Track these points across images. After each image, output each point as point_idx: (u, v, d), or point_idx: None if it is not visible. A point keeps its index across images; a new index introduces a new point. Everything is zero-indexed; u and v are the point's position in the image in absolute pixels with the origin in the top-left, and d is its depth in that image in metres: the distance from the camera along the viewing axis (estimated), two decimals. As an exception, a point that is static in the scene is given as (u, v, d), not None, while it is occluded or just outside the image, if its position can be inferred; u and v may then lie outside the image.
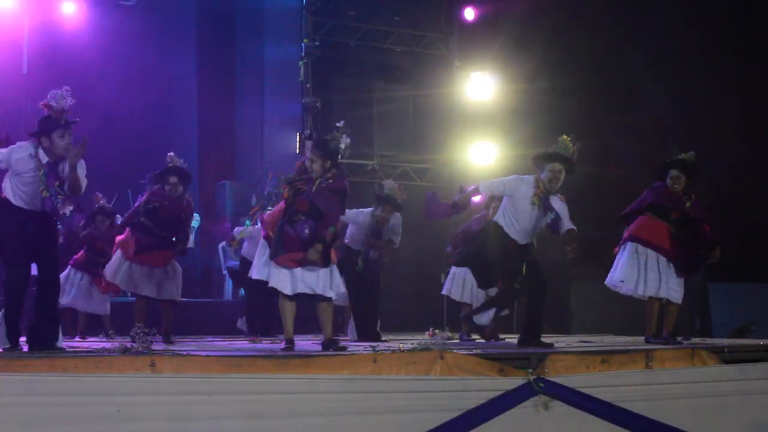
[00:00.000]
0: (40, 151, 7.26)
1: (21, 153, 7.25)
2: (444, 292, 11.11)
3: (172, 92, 17.48)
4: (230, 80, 17.71)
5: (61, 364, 5.83)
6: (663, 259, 9.11)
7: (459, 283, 10.83)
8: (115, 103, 16.25)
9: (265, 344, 9.47)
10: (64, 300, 10.73)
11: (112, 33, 16.42)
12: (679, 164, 9.31)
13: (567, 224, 8.42)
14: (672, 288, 9.10)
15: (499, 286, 9.35)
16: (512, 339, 10.55)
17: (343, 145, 7.93)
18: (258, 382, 6.08)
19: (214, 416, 5.86)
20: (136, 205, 10.11)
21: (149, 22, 17.08)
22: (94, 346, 7.63)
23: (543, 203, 8.42)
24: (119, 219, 11.17)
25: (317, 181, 7.76)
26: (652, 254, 9.12)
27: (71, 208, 7.34)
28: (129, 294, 10.39)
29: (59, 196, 7.22)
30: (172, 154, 9.98)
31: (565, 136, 8.64)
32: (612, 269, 9.37)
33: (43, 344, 7.03)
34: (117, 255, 9.88)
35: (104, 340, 10.18)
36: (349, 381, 6.36)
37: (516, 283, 8.73)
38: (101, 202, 11.46)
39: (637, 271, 9.10)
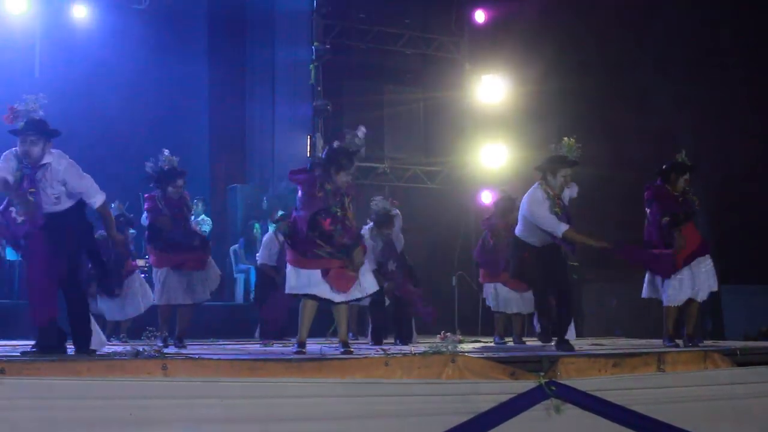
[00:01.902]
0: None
1: (10, 157, 7.13)
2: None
3: (183, 96, 17.51)
4: (241, 84, 17.73)
5: (73, 368, 5.85)
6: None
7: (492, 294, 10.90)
8: (126, 106, 16.30)
9: (276, 347, 9.48)
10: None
11: (123, 36, 16.46)
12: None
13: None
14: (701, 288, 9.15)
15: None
16: (531, 342, 10.59)
17: (360, 143, 7.94)
18: (270, 385, 6.09)
19: (227, 420, 5.87)
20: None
21: (160, 25, 17.11)
22: (107, 350, 7.64)
23: (562, 208, 8.49)
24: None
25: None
26: None
27: (23, 218, 7.02)
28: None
29: (22, 204, 7.02)
30: (167, 152, 9.82)
31: (567, 139, 8.66)
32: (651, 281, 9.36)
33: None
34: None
35: (117, 343, 10.19)
36: (362, 384, 6.36)
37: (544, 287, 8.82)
38: (122, 209, 11.45)
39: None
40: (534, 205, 8.51)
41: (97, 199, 7.21)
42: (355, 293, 7.79)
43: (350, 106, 15.56)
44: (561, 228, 8.34)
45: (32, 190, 7.03)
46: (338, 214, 7.71)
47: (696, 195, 9.31)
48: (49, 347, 7.10)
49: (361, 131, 7.95)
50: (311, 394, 6.18)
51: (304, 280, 7.70)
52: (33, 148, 7.00)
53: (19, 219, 7.03)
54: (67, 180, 7.11)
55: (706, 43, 15.30)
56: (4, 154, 7.22)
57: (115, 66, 16.22)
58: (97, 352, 7.14)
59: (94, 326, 7.47)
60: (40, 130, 7.06)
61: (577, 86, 15.36)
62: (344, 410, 6.23)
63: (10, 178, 7.03)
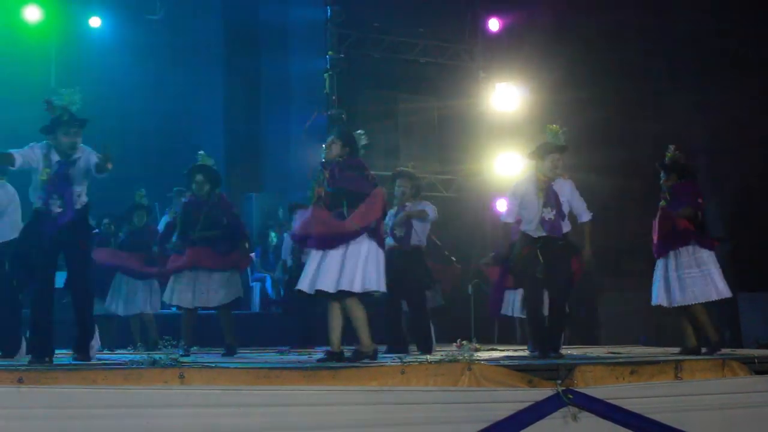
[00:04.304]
0: (53, 150, 7.32)
1: (36, 150, 7.34)
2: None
3: (199, 105, 17.59)
4: (256, 93, 17.80)
5: (90, 377, 5.86)
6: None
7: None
8: (141, 116, 16.39)
9: (293, 356, 9.48)
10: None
11: (138, 46, 16.56)
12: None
13: (583, 213, 8.66)
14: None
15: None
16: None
17: (362, 141, 7.97)
18: (286, 394, 6.09)
19: (244, 428, 5.87)
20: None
21: (175, 35, 17.20)
22: (123, 359, 7.66)
23: (547, 192, 8.52)
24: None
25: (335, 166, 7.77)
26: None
27: (60, 210, 7.26)
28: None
29: (55, 194, 7.23)
30: (202, 152, 9.95)
31: (551, 126, 8.72)
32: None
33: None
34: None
35: (133, 352, 10.21)
36: (378, 392, 6.35)
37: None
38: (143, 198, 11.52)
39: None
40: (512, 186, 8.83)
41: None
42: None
43: (365, 115, 15.57)
44: (504, 217, 8.84)
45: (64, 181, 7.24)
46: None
47: (713, 201, 9.31)
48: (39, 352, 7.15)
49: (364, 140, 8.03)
50: (327, 402, 6.18)
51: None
52: (76, 140, 7.24)
53: (57, 210, 7.24)
54: (96, 173, 7.31)
55: (723, 48, 15.24)
56: (31, 145, 7.35)
57: (130, 76, 16.32)
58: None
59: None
60: (80, 123, 7.29)
61: (592, 93, 15.31)
62: (360, 418, 6.22)
63: (34, 165, 7.25)
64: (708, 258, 9.16)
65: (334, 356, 7.54)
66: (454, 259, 11.35)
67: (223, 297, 9.65)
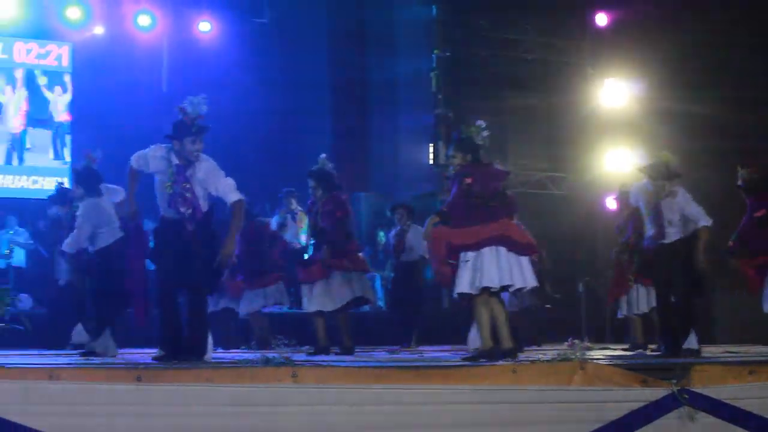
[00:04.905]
0: (172, 153, 7.47)
1: (157, 153, 7.51)
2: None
3: (306, 106, 17.75)
4: (362, 93, 17.89)
5: (206, 375, 5.95)
6: None
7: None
8: (249, 118, 16.62)
9: (404, 355, 9.50)
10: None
11: (246, 49, 16.83)
12: None
13: (700, 219, 8.57)
14: None
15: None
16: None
17: (480, 139, 7.94)
18: (398, 392, 6.09)
19: (357, 427, 5.88)
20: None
21: (282, 37, 17.43)
22: (237, 358, 7.77)
23: (654, 209, 8.61)
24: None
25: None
26: None
27: (190, 211, 7.41)
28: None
29: (181, 198, 7.39)
30: (323, 156, 9.97)
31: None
32: None
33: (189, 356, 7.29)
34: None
35: (246, 351, 10.35)
36: (489, 392, 6.31)
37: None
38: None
39: None
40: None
41: (233, 196, 7.47)
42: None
43: (472, 113, 15.44)
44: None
45: (186, 184, 7.38)
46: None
47: None
48: (174, 353, 7.36)
49: (481, 129, 8.00)
50: (439, 401, 6.16)
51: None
52: (200, 147, 7.42)
53: (186, 213, 7.40)
54: (210, 180, 7.44)
55: None
56: (152, 147, 7.58)
57: (238, 78, 16.56)
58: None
59: None
60: (205, 130, 7.48)
61: (703, 88, 15.02)
62: (471, 418, 6.19)
63: (162, 169, 7.46)
64: None
65: (486, 353, 7.63)
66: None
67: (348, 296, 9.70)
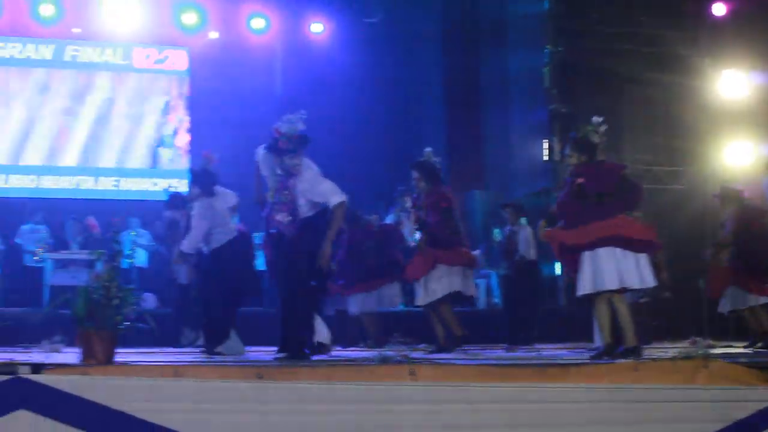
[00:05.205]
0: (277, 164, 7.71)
1: (267, 159, 7.78)
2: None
3: (420, 103, 17.82)
4: (476, 89, 17.86)
5: (325, 373, 6.00)
6: None
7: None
8: (364, 117, 16.74)
9: (521, 353, 9.44)
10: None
11: (358, 49, 16.94)
12: None
13: None
14: None
15: None
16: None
17: (597, 137, 7.83)
18: (517, 391, 6.05)
19: (475, 425, 5.86)
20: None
21: (394, 35, 17.50)
22: (355, 356, 7.83)
23: None
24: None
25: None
26: None
27: (290, 218, 7.58)
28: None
29: (282, 206, 7.57)
30: (428, 149, 9.83)
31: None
32: None
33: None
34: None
35: (364, 349, 10.41)
36: (611, 390, 6.22)
37: None
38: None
39: None
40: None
41: (335, 199, 7.61)
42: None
43: (586, 108, 15.23)
44: None
45: (286, 193, 7.60)
46: None
47: None
48: (295, 352, 7.48)
49: (598, 125, 7.90)
50: (559, 399, 6.11)
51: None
52: (299, 160, 7.60)
53: (285, 221, 7.59)
54: (312, 189, 7.60)
55: None
56: (261, 152, 7.77)
57: (352, 78, 16.69)
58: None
59: None
60: (304, 144, 7.62)
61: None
62: (592, 416, 6.11)
63: (267, 175, 7.76)
64: None
65: (607, 351, 7.58)
66: None
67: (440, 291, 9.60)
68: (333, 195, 7.62)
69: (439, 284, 9.43)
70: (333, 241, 7.74)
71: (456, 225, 9.65)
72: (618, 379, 6.33)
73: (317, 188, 7.62)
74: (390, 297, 11.50)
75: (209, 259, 8.99)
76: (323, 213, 7.70)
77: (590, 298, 7.69)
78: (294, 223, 7.59)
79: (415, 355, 7.47)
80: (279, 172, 7.64)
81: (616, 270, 7.47)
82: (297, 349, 7.61)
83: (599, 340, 10.02)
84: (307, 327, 7.85)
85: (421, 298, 9.56)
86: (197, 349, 9.49)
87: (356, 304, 11.40)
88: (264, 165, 7.80)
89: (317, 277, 7.83)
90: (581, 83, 15.78)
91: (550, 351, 10.07)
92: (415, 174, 9.63)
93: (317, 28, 17.60)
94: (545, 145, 15.20)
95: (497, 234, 14.07)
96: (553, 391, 6.12)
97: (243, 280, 9.10)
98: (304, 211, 7.63)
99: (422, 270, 9.50)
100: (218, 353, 8.58)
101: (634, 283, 7.54)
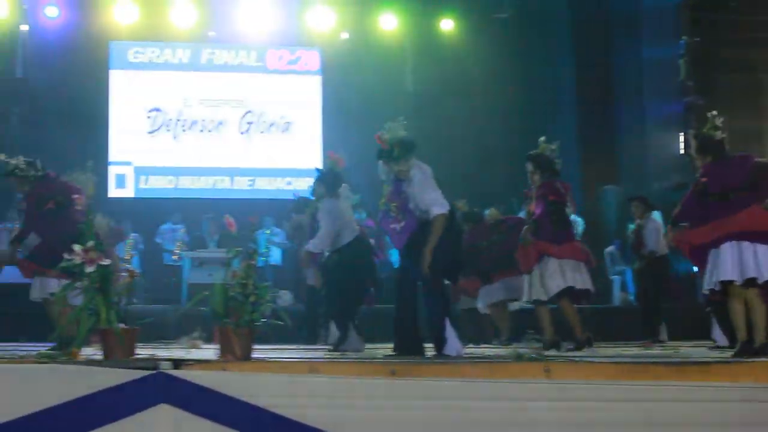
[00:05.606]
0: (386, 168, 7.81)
1: (381, 164, 7.85)
2: None
3: (552, 97, 17.65)
4: (608, 82, 17.60)
5: (458, 370, 6.01)
6: None
7: None
8: (494, 111, 16.71)
9: (657, 350, 9.27)
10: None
11: (488, 45, 16.91)
12: None
13: None
14: None
15: None
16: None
17: (719, 133, 7.64)
18: (654, 388, 5.94)
19: (610, 422, 5.78)
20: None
21: (525, 30, 17.41)
22: (489, 353, 7.82)
23: None
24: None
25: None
26: None
27: (402, 224, 7.66)
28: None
29: (391, 213, 7.71)
30: (542, 139, 9.55)
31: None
32: None
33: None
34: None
35: (497, 346, 10.37)
36: (753, 389, 6.05)
37: None
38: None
39: None
40: None
41: (435, 210, 7.57)
42: None
43: (724, 100, 14.91)
44: None
45: (394, 204, 7.72)
46: None
47: None
48: (407, 348, 7.50)
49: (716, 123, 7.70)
50: (697, 398, 5.97)
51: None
52: (406, 165, 7.65)
53: (398, 227, 7.69)
54: (420, 194, 7.62)
55: None
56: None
57: (481, 75, 16.65)
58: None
59: None
60: (409, 150, 7.67)
61: None
62: (731, 416, 5.95)
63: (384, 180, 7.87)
64: None
65: (744, 349, 7.36)
66: None
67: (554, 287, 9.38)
68: (434, 206, 7.58)
69: (552, 280, 9.14)
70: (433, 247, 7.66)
71: (565, 219, 9.46)
72: (762, 378, 6.15)
73: (423, 196, 7.62)
74: (517, 289, 11.34)
75: (336, 257, 9.09)
76: (428, 225, 7.69)
77: (723, 295, 7.50)
78: (404, 232, 7.69)
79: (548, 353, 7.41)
80: (391, 177, 7.76)
81: (737, 262, 7.23)
82: (413, 348, 7.63)
83: (718, 337, 9.81)
84: (439, 329, 7.80)
85: (529, 293, 9.34)
86: (326, 347, 9.60)
87: (484, 297, 11.30)
88: (382, 172, 7.89)
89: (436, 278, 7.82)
90: (719, 74, 15.39)
91: (688, 348, 9.85)
92: (529, 166, 9.42)
93: (447, 25, 17.63)
94: (681, 138, 14.88)
95: (630, 229, 13.85)
96: (693, 390, 5.99)
97: (366, 278, 9.21)
98: (416, 215, 7.68)
99: (526, 262, 9.30)
100: (343, 351, 8.67)
101: (762, 275, 7.27)
